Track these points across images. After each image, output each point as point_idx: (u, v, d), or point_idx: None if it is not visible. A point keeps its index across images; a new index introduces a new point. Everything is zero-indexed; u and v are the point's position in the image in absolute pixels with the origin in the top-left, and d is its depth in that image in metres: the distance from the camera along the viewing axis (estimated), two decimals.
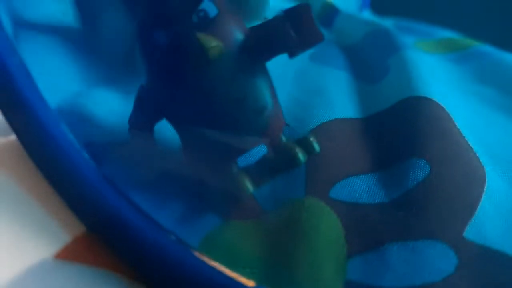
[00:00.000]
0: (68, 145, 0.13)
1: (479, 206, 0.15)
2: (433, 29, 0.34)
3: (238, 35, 0.13)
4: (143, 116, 0.15)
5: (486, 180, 0.16)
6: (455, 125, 0.18)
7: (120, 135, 0.16)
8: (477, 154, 0.17)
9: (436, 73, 0.24)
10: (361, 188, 0.16)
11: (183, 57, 0.13)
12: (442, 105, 0.19)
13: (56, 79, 0.18)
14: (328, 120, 0.19)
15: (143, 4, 0.14)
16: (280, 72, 0.15)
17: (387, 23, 0.37)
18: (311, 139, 0.15)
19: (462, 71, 0.27)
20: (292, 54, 0.13)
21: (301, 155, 0.15)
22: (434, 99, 0.19)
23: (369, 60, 0.24)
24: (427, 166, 0.16)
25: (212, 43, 0.13)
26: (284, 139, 0.15)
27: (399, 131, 0.18)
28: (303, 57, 0.22)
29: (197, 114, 0.14)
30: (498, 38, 0.29)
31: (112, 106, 0.18)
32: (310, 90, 0.21)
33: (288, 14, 0.13)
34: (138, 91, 0.15)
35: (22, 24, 0.20)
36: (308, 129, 0.18)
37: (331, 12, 0.32)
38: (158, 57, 0.13)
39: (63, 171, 0.13)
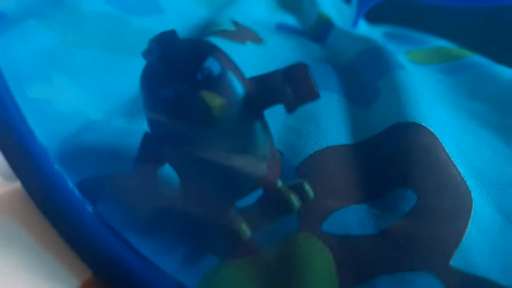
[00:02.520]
0: (64, 187, 0.14)
1: (465, 234, 0.16)
2: (426, 38, 0.34)
3: (239, 89, 0.14)
4: (147, 161, 0.16)
5: (473, 206, 0.17)
6: (444, 149, 0.19)
7: (120, 170, 0.17)
8: (465, 179, 0.18)
9: (426, 90, 0.25)
10: (352, 219, 0.16)
11: (187, 113, 0.14)
12: (431, 129, 0.19)
13: (54, 117, 0.19)
14: (320, 148, 0.19)
15: (152, 60, 0.15)
16: None
17: (380, 30, 0.37)
18: (305, 185, 0.16)
19: (454, 83, 0.27)
20: (288, 110, 0.14)
21: (295, 201, 0.16)
22: (423, 123, 0.20)
23: (361, 82, 0.25)
24: (414, 196, 0.17)
25: (216, 101, 0.13)
26: (280, 183, 0.16)
27: (388, 159, 0.18)
28: None
29: (199, 164, 0.15)
30: (491, 50, 0.30)
31: (112, 139, 0.19)
32: (303, 115, 0.22)
33: (287, 72, 0.14)
34: (142, 139, 0.15)
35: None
36: (301, 158, 0.19)
37: (326, 26, 0.33)
38: (162, 111, 0.14)
39: (62, 215, 0.14)
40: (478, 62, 0.29)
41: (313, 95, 0.14)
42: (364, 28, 0.36)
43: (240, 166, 0.15)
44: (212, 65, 0.14)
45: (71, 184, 0.13)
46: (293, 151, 0.20)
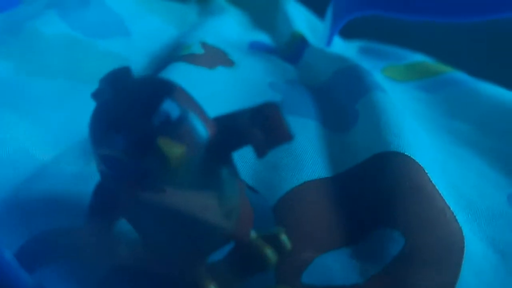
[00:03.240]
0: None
1: (459, 277, 0.15)
2: (403, 52, 0.33)
3: (203, 132, 0.13)
4: (100, 214, 0.14)
5: (465, 246, 0.16)
6: (430, 181, 0.17)
7: (71, 225, 0.15)
8: (454, 213, 0.17)
9: (407, 111, 0.23)
10: (335, 267, 0.15)
11: (143, 162, 0.12)
12: (415, 159, 0.18)
13: None
14: (297, 184, 0.18)
15: (102, 102, 0.13)
16: None
17: (355, 45, 0.36)
18: (281, 236, 0.14)
19: (433, 101, 0.26)
20: (258, 154, 0.13)
21: (271, 257, 0.14)
22: (407, 152, 0.18)
23: (338, 104, 0.24)
24: (402, 237, 0.15)
25: (175, 151, 0.12)
26: (253, 234, 0.14)
27: (371, 195, 0.17)
28: None
29: (159, 218, 0.13)
30: (471, 65, 0.29)
31: (62, 187, 0.17)
32: (278, 148, 0.20)
33: (255, 113, 0.13)
34: (95, 190, 0.14)
35: None
36: (277, 195, 0.18)
37: (300, 45, 0.31)
38: (114, 162, 0.12)
39: None
40: (458, 79, 0.28)
41: (286, 138, 0.13)
42: (339, 44, 0.35)
43: (207, 218, 0.13)
44: (170, 107, 0.12)
45: (8, 256, 0.12)
46: (268, 188, 0.18)
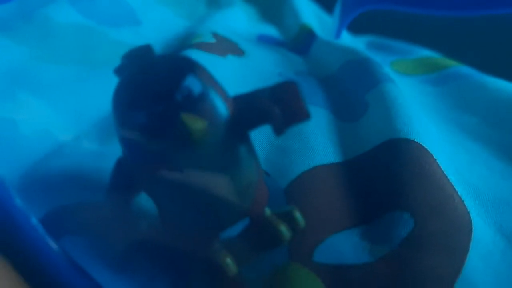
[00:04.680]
0: (27, 226, 0.12)
1: (467, 259, 0.15)
2: (411, 47, 0.34)
3: (223, 111, 0.13)
4: (121, 188, 0.14)
5: (473, 229, 0.16)
6: (439, 167, 0.18)
7: (91, 199, 0.15)
8: (462, 198, 0.17)
9: (415, 103, 0.24)
10: (345, 247, 0.15)
11: (166, 138, 0.12)
12: (424, 145, 0.18)
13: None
14: (308, 168, 0.18)
15: (124, 79, 0.13)
16: None
17: (364, 40, 0.36)
18: (295, 213, 0.15)
19: (441, 95, 0.27)
20: (277, 132, 0.13)
21: (285, 233, 0.14)
22: (416, 139, 0.18)
23: (347, 94, 0.24)
24: (411, 220, 0.16)
25: (198, 125, 0.12)
26: (268, 211, 0.14)
27: (381, 179, 0.17)
28: None
29: (179, 192, 0.13)
30: (477, 59, 0.29)
31: (82, 164, 0.17)
32: (289, 132, 0.20)
33: (275, 91, 0.13)
34: (115, 165, 0.14)
35: None
36: (288, 179, 0.18)
37: (308, 37, 0.32)
38: (138, 136, 0.13)
39: (25, 255, 0.12)
40: (465, 72, 0.28)
41: (304, 116, 0.13)
42: (347, 39, 0.35)
43: (224, 195, 0.13)
44: (192, 84, 0.12)
45: (34, 221, 0.12)
46: (279, 171, 0.18)
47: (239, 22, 0.35)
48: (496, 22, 0.30)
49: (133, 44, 0.30)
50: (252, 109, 0.13)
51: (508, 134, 0.22)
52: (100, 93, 0.22)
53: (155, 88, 0.13)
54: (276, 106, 0.13)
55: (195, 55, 0.25)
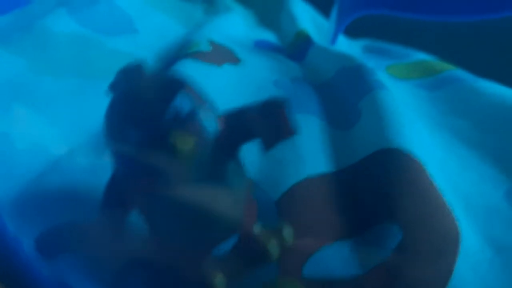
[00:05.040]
0: (20, 252, 0.13)
1: (454, 269, 0.15)
2: (406, 51, 0.34)
3: (212, 128, 0.13)
4: (114, 206, 0.14)
5: (460, 239, 0.16)
6: (428, 178, 0.18)
7: (85, 216, 0.16)
8: (451, 208, 0.17)
9: (409, 110, 0.24)
10: (335, 260, 0.16)
11: (156, 155, 0.13)
12: (415, 155, 0.19)
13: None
14: (299, 180, 0.19)
15: (117, 96, 0.14)
16: None
17: (360, 44, 0.36)
18: (284, 230, 0.15)
19: (435, 100, 0.27)
20: (266, 147, 0.13)
21: (273, 251, 0.15)
22: (406, 149, 0.19)
23: (341, 102, 0.24)
24: (400, 231, 0.16)
25: (187, 144, 0.13)
26: (257, 228, 0.15)
27: (371, 191, 0.18)
28: None
29: (170, 207, 0.14)
30: (473, 63, 0.29)
31: (76, 179, 0.18)
32: (282, 144, 0.21)
33: (263, 108, 0.13)
34: (109, 181, 0.14)
35: None
36: (280, 190, 0.18)
37: (305, 43, 0.32)
38: (129, 153, 0.13)
39: (19, 280, 0.12)
40: (459, 77, 0.28)
41: (289, 133, 0.14)
42: (343, 43, 0.35)
43: (214, 210, 0.14)
44: (182, 103, 0.13)
45: (27, 247, 0.12)
46: (272, 183, 0.19)
47: (237, 28, 0.35)
48: (490, 25, 0.30)
49: (130, 52, 0.31)
50: (242, 126, 0.14)
51: (501, 140, 0.23)
52: (96, 105, 0.22)
53: (146, 107, 0.13)
54: (265, 123, 0.13)
55: (192, 64, 0.26)
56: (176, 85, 0.14)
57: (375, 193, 0.17)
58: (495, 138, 0.23)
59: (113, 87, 0.14)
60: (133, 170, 0.14)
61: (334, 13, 0.33)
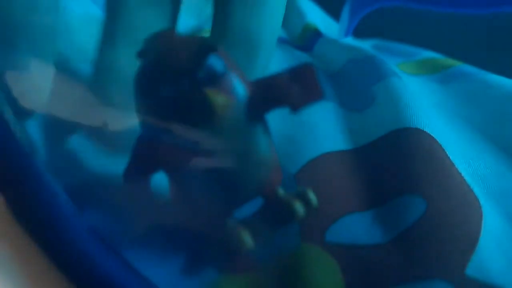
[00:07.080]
0: (53, 195, 0.12)
1: (479, 242, 0.15)
2: (414, 49, 0.34)
3: (243, 90, 0.13)
4: (140, 167, 0.14)
5: (483, 214, 0.16)
6: (448, 157, 0.18)
7: (111, 180, 0.16)
8: (471, 187, 0.17)
9: (423, 98, 0.24)
10: (357, 228, 0.15)
11: (187, 112, 0.13)
12: (433, 135, 0.19)
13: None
14: (317, 155, 0.19)
15: (148, 60, 0.14)
16: None
17: (368, 43, 0.37)
18: (309, 192, 0.15)
19: (448, 92, 0.27)
20: (293, 109, 0.13)
21: (300, 209, 0.15)
22: (425, 129, 0.19)
23: (353, 87, 0.24)
24: (423, 202, 0.16)
25: (221, 100, 0.13)
26: (281, 191, 0.15)
27: (391, 165, 0.18)
28: None
29: (198, 168, 0.14)
30: (479, 59, 0.29)
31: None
32: (297, 123, 0.21)
33: (293, 72, 0.14)
34: (136, 142, 0.14)
35: None
36: (298, 165, 0.18)
37: (313, 36, 0.32)
38: (160, 111, 0.13)
39: (49, 225, 0.12)
40: (468, 71, 0.28)
41: (318, 95, 0.14)
42: (353, 42, 0.35)
43: (240, 170, 0.14)
44: (215, 63, 0.13)
45: (60, 191, 0.12)
46: (289, 159, 0.19)
47: None
48: (499, 20, 0.31)
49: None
50: (272, 89, 0.14)
51: None
52: None
53: (179, 66, 0.13)
54: (294, 85, 0.13)
55: None
56: (209, 48, 0.14)
57: (396, 166, 0.17)
58: (508, 127, 0.23)
59: (142, 53, 0.14)
60: (161, 135, 0.14)
61: (347, 6, 0.33)
